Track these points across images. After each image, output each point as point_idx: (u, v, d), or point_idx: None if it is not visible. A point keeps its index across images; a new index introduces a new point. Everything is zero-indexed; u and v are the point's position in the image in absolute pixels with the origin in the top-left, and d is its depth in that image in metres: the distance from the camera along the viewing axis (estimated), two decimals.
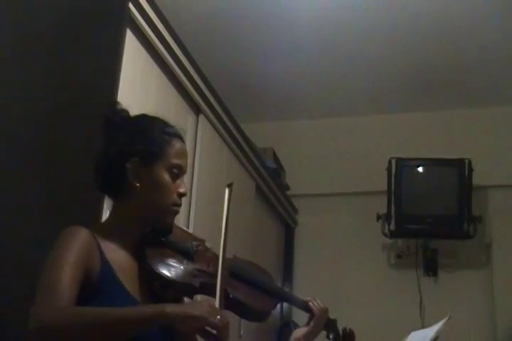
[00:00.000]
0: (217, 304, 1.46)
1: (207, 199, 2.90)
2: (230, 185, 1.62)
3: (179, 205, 1.63)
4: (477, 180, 3.95)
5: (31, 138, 2.18)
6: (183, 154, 1.65)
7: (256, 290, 1.69)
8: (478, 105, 4.22)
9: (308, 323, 1.84)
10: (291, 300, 1.90)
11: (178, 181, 1.62)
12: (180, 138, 1.67)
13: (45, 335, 1.32)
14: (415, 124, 4.33)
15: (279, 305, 3.97)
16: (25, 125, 2.20)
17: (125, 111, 1.67)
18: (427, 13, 3.45)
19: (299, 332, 1.83)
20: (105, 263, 1.49)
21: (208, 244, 1.70)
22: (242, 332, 3.08)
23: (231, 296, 1.59)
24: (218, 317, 1.38)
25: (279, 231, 4.25)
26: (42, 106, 2.21)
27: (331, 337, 1.92)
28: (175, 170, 1.61)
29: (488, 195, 4.13)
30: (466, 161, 3.94)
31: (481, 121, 4.24)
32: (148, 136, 1.61)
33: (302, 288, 4.18)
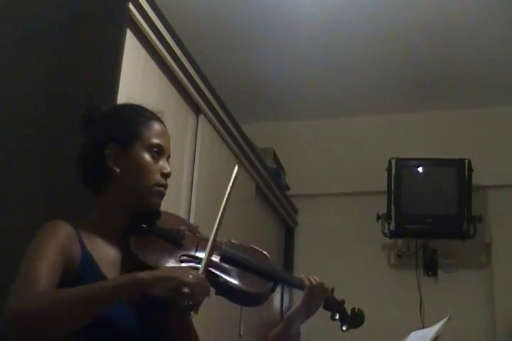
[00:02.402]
0: (201, 271, 1.44)
1: (207, 199, 2.90)
2: (239, 164, 1.64)
3: (164, 186, 1.59)
4: (477, 180, 3.95)
5: (31, 138, 2.18)
6: (162, 134, 1.62)
7: (249, 273, 1.63)
8: (478, 105, 4.22)
9: (303, 299, 1.81)
10: (287, 281, 1.85)
11: (161, 162, 1.59)
12: (159, 120, 1.65)
13: (25, 321, 1.29)
14: (415, 124, 4.33)
15: (279, 305, 3.98)
16: (25, 125, 2.20)
17: (98, 106, 1.65)
18: (427, 13, 3.45)
19: (292, 309, 1.81)
20: (86, 255, 1.47)
21: (200, 229, 1.67)
22: (242, 332, 3.08)
23: (221, 281, 1.55)
24: (191, 276, 1.36)
25: (279, 231, 4.25)
26: (42, 106, 2.21)
27: (336, 317, 1.87)
28: (155, 150, 1.58)
29: (488, 195, 4.13)
30: (466, 161, 3.94)
31: (481, 121, 4.24)
32: (124, 120, 1.60)
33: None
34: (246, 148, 3.45)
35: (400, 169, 3.99)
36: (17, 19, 2.35)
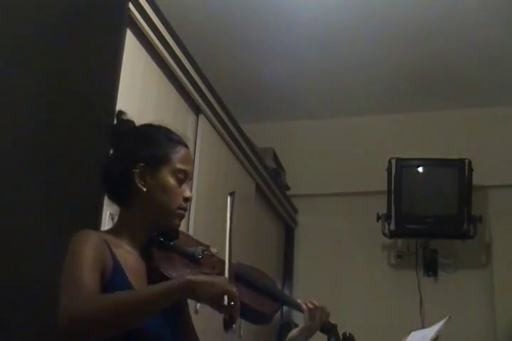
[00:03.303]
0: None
1: (207, 199, 2.90)
2: (232, 193, 1.68)
3: (185, 209, 1.67)
4: (477, 180, 3.95)
5: (31, 138, 2.18)
6: (188, 160, 1.70)
7: (260, 294, 1.73)
8: (478, 105, 4.22)
9: (303, 324, 1.90)
10: (291, 304, 1.94)
11: (184, 186, 1.67)
12: (185, 145, 1.73)
13: (81, 326, 1.34)
14: (415, 124, 4.33)
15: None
16: (25, 125, 2.20)
17: (131, 122, 1.74)
18: (428, 13, 3.45)
19: (295, 330, 1.90)
20: (116, 264, 1.53)
21: (213, 250, 1.74)
22: (242, 332, 3.08)
23: None
24: (234, 289, 1.45)
25: (279, 231, 4.25)
26: (42, 106, 2.21)
27: (332, 340, 1.96)
28: (180, 175, 1.66)
29: (488, 195, 4.13)
30: (466, 161, 3.93)
31: (481, 121, 4.24)
32: (154, 141, 1.67)
33: (302, 287, 4.18)
34: (246, 148, 3.45)
35: (400, 169, 3.99)
36: (17, 19, 2.35)
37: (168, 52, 2.56)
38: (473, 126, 4.24)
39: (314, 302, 1.90)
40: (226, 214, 1.67)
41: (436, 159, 4.01)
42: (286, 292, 4.17)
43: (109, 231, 1.65)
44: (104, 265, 1.49)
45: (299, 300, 1.91)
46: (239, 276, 1.69)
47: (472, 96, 4.17)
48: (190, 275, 1.46)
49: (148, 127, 1.74)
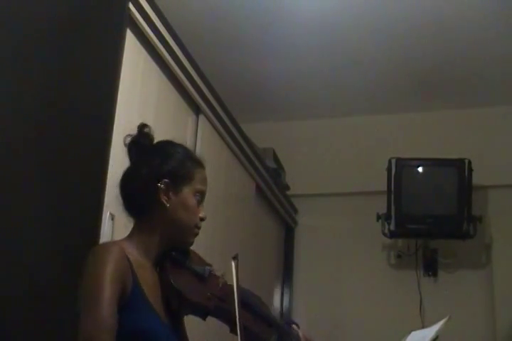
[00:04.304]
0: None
1: (207, 199, 2.89)
2: (235, 257, 1.72)
3: (199, 228, 1.74)
4: (477, 180, 3.95)
5: (31, 138, 2.18)
6: (206, 181, 1.78)
7: (259, 320, 1.77)
8: (478, 105, 4.22)
9: None
10: (284, 332, 1.93)
11: (201, 206, 1.74)
12: (204, 167, 1.79)
13: None
14: (415, 124, 4.33)
15: (279, 305, 3.99)
16: (25, 125, 2.20)
17: (152, 136, 1.77)
18: (427, 13, 3.45)
19: None
20: (136, 279, 1.57)
21: (217, 273, 1.78)
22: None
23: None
24: None
25: (279, 231, 4.25)
26: (42, 106, 2.21)
27: None
28: (198, 195, 1.73)
29: (488, 195, 4.13)
30: (466, 161, 3.93)
31: (481, 121, 4.24)
32: (178, 160, 1.73)
33: (302, 288, 4.18)
34: (246, 148, 3.45)
35: (400, 169, 3.99)
36: (17, 19, 2.35)
37: (168, 52, 2.56)
38: (473, 126, 4.24)
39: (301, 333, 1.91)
40: (232, 278, 1.70)
41: (436, 159, 4.01)
42: (286, 292, 4.17)
43: (128, 243, 1.66)
44: (125, 282, 1.53)
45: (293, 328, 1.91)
46: (242, 301, 1.72)
47: (472, 96, 4.17)
48: None
49: (171, 144, 1.79)
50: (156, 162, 1.71)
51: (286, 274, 4.22)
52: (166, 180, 1.68)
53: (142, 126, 1.77)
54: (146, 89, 2.46)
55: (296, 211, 4.37)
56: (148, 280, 1.61)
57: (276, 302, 3.98)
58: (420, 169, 4.04)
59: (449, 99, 4.22)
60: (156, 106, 2.52)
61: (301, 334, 1.90)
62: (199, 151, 2.87)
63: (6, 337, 1.91)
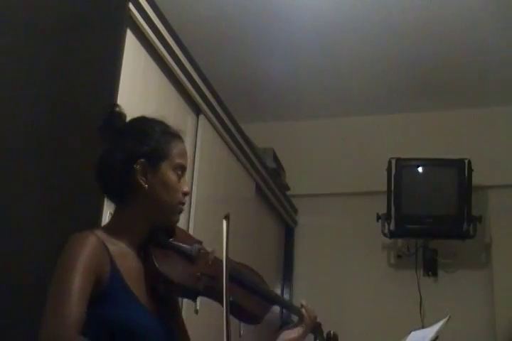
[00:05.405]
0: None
1: (207, 199, 2.90)
2: (227, 217, 1.65)
3: (184, 204, 1.66)
4: (477, 180, 3.95)
5: (31, 138, 2.18)
6: (185, 154, 1.69)
7: (251, 294, 1.72)
8: (477, 105, 4.22)
9: (296, 326, 1.88)
10: (283, 305, 1.94)
11: (182, 180, 1.66)
12: (181, 138, 1.70)
13: None
14: (415, 124, 4.33)
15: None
16: (25, 125, 2.20)
17: (124, 115, 1.69)
18: (427, 13, 3.45)
19: (287, 335, 1.86)
20: (115, 269, 1.50)
21: (208, 249, 1.72)
22: (242, 332, 3.07)
23: (231, 299, 1.58)
24: None
25: (279, 231, 4.25)
26: (42, 106, 2.21)
27: (318, 340, 1.95)
28: (178, 170, 1.65)
29: (488, 195, 4.13)
30: (466, 161, 3.93)
31: (481, 121, 4.24)
32: (153, 137, 1.64)
33: (302, 288, 4.18)
34: (246, 148, 3.45)
35: (400, 169, 3.99)
36: (17, 19, 2.35)
37: (168, 52, 2.56)
38: (473, 126, 4.24)
39: (310, 309, 1.89)
40: (222, 237, 1.64)
41: (436, 159, 4.01)
42: (286, 292, 4.17)
43: (107, 230, 1.59)
44: (101, 272, 1.46)
45: (301, 303, 1.89)
46: (231, 275, 1.63)
47: (472, 96, 4.17)
48: None
49: (144, 121, 1.71)
50: (130, 142, 1.63)
51: (286, 274, 4.22)
52: (142, 160, 1.60)
53: (113, 106, 1.70)
54: (146, 89, 2.46)
55: (296, 211, 4.37)
56: (131, 269, 1.55)
57: None
58: (420, 169, 4.04)
59: (449, 99, 4.22)
60: (156, 106, 2.52)
61: (304, 309, 1.86)
62: (199, 151, 2.88)
63: (6, 337, 1.91)
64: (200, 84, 2.85)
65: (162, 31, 2.48)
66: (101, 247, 1.50)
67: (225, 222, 1.64)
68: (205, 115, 2.96)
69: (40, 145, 2.16)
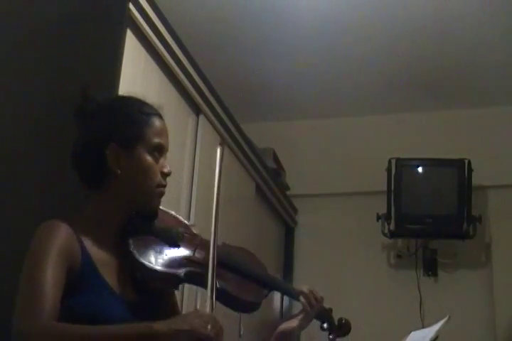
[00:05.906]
0: (208, 307, 1.40)
1: (207, 199, 2.89)
2: (222, 144, 1.58)
3: (164, 186, 1.57)
4: (477, 180, 3.95)
5: (30, 138, 2.18)
6: (163, 132, 1.58)
7: (245, 280, 1.61)
8: (478, 105, 4.22)
9: (298, 314, 1.79)
10: (283, 290, 1.83)
11: (161, 161, 1.56)
12: (159, 115, 1.61)
13: None
14: (415, 124, 4.33)
15: (279, 304, 3.98)
16: (25, 124, 2.20)
17: (96, 98, 1.61)
18: (427, 13, 3.45)
19: (288, 324, 1.78)
20: (87, 258, 1.44)
21: (195, 230, 1.65)
22: (241, 332, 3.07)
23: (218, 286, 1.49)
24: (209, 326, 1.33)
25: (279, 231, 4.25)
26: (41, 106, 2.21)
27: (325, 326, 1.87)
28: (156, 151, 1.55)
29: (487, 195, 4.13)
30: (466, 161, 3.93)
31: (481, 121, 4.23)
32: (125, 118, 1.55)
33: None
34: (246, 148, 3.45)
35: (400, 169, 3.99)
36: (17, 19, 2.35)
37: (168, 52, 2.56)
38: (473, 126, 4.24)
39: (315, 292, 1.79)
40: (215, 168, 1.54)
41: (436, 159, 4.01)
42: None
43: (81, 220, 1.51)
44: (72, 262, 1.40)
45: (302, 289, 1.78)
46: (221, 260, 1.52)
47: (472, 97, 4.17)
48: (160, 324, 1.31)
49: (118, 102, 1.63)
50: (100, 126, 1.54)
51: (286, 274, 4.22)
52: (113, 144, 1.50)
53: (85, 89, 1.60)
54: (146, 89, 2.46)
55: (296, 211, 4.37)
56: (106, 258, 1.48)
57: (277, 301, 3.98)
58: (420, 169, 4.04)
59: (449, 99, 4.22)
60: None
61: (302, 297, 1.76)
62: (199, 151, 2.88)
63: (6, 337, 1.91)
64: (200, 84, 2.85)
65: (162, 31, 2.47)
66: (72, 237, 1.44)
67: (219, 151, 1.55)
68: (205, 115, 2.96)
69: (39, 145, 2.16)
